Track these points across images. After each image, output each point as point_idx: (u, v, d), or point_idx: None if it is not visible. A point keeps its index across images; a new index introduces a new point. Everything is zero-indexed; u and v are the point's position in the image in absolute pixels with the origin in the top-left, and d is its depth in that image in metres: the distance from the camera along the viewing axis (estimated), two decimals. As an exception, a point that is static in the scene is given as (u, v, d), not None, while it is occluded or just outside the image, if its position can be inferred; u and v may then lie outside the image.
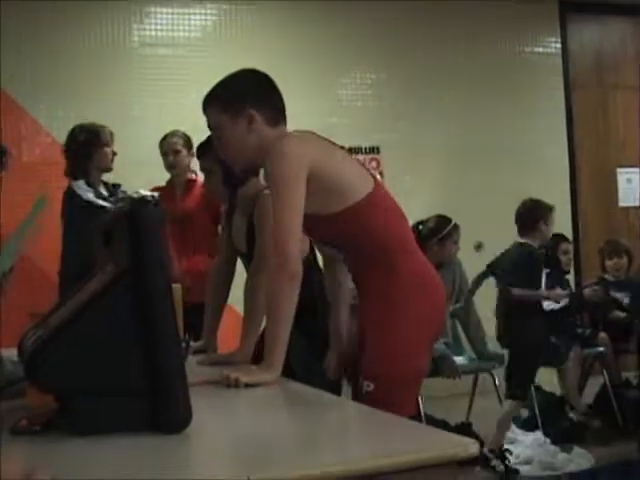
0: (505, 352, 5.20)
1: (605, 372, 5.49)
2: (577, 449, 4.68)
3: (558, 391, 5.48)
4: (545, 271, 5.40)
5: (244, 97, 2.42)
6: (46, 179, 5.45)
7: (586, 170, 7.55)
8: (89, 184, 4.45)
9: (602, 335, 5.54)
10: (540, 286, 5.17)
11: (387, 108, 6.82)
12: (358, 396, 2.46)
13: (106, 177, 4.62)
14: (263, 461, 1.47)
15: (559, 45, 7.45)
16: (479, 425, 4.92)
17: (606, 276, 5.93)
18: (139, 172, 5.12)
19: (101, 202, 4.33)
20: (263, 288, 2.50)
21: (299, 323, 2.40)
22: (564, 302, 5.44)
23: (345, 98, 6.73)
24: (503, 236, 6.64)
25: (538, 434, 4.85)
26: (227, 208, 3.20)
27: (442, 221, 4.90)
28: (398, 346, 2.42)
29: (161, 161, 4.94)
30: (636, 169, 7.59)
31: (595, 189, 7.60)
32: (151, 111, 6.02)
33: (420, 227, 4.81)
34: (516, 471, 4.47)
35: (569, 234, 6.49)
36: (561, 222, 5.88)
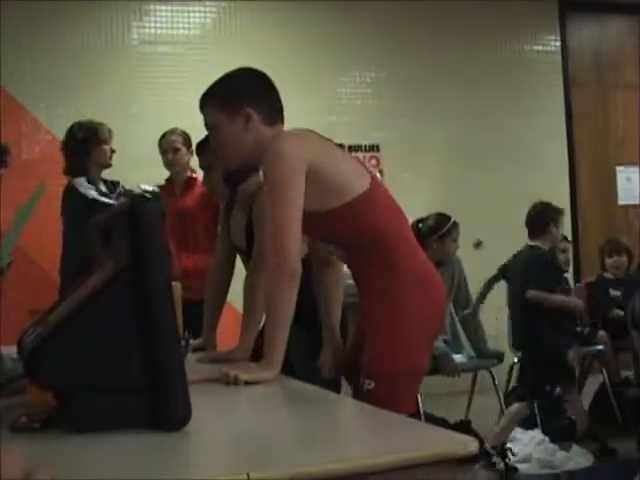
0: (506, 352, 5.22)
1: (604, 370, 5.49)
2: (576, 447, 4.68)
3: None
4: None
5: (241, 96, 2.42)
6: (46, 176, 5.45)
7: (585, 168, 7.55)
8: (89, 181, 4.45)
9: (601, 333, 5.54)
10: (554, 288, 5.17)
11: (387, 106, 6.82)
12: (359, 394, 2.46)
13: (105, 175, 4.62)
14: (263, 458, 1.47)
15: (558, 43, 7.45)
16: (478, 423, 4.92)
17: (605, 274, 5.94)
18: (138, 170, 5.12)
19: (105, 200, 4.33)
20: (262, 286, 2.49)
21: (299, 321, 2.40)
22: None
23: (345, 96, 6.73)
24: (502, 234, 6.68)
25: (537, 432, 4.85)
26: (226, 205, 3.20)
27: (441, 219, 4.90)
28: (398, 344, 2.42)
29: (160, 159, 4.94)
30: (635, 167, 7.59)
31: (594, 187, 7.60)
32: (150, 109, 6.02)
33: (420, 225, 4.81)
34: (515, 469, 4.47)
35: (568, 232, 6.49)
36: (560, 220, 5.89)
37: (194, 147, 3.81)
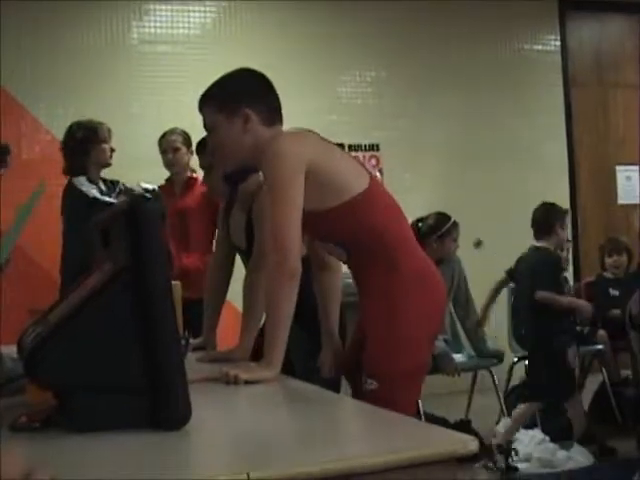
0: (506, 351, 5.23)
1: (604, 370, 5.49)
2: (576, 446, 4.68)
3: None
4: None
5: (240, 97, 2.42)
6: (45, 176, 5.44)
7: (585, 168, 7.55)
8: (89, 180, 4.45)
9: (601, 333, 5.54)
10: (562, 288, 5.17)
11: (387, 106, 6.82)
12: (361, 394, 2.46)
13: (104, 174, 4.62)
14: (263, 458, 1.47)
15: (558, 43, 7.45)
16: (478, 422, 4.93)
17: (605, 274, 5.94)
18: (138, 169, 5.12)
19: (107, 199, 4.33)
20: (262, 285, 2.50)
21: (299, 320, 2.40)
22: None
23: (345, 96, 6.73)
24: (502, 233, 6.68)
25: (537, 432, 4.85)
26: (225, 204, 3.20)
27: (441, 218, 4.90)
28: (399, 343, 2.42)
29: (160, 159, 4.94)
30: (635, 167, 7.58)
31: (594, 187, 7.60)
32: (150, 108, 6.02)
33: (419, 224, 4.81)
34: (515, 469, 4.47)
35: (568, 232, 6.49)
36: (560, 220, 5.89)
37: (194, 147, 3.82)
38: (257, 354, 2.56)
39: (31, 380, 1.72)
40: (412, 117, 6.87)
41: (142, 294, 1.59)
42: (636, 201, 7.58)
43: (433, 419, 4.45)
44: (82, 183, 4.40)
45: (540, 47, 7.41)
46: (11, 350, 1.93)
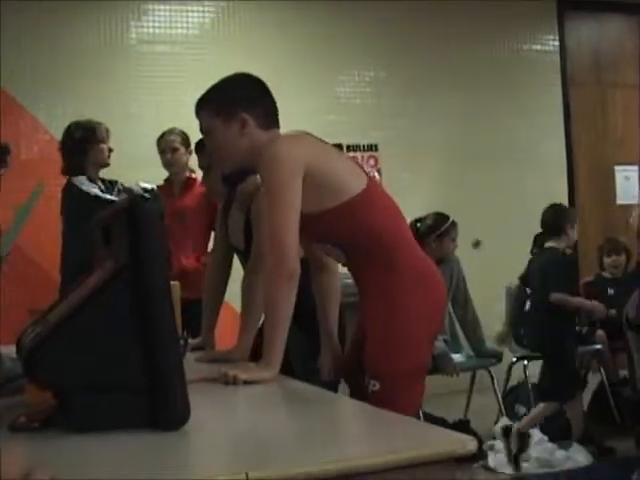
0: (505, 351, 5.22)
1: (602, 370, 5.49)
2: (575, 446, 4.68)
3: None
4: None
5: (237, 101, 2.43)
6: (44, 176, 5.45)
7: (584, 167, 7.55)
8: (89, 180, 4.45)
9: (600, 333, 5.54)
10: (574, 287, 5.18)
11: (385, 106, 6.81)
12: (359, 394, 2.45)
13: (103, 174, 4.62)
14: (262, 458, 1.47)
15: (557, 43, 7.45)
16: (477, 422, 4.93)
17: (604, 274, 5.94)
18: (136, 169, 5.11)
19: (108, 196, 4.32)
20: (261, 286, 2.50)
21: (298, 321, 2.40)
22: None
23: (343, 96, 6.73)
24: (501, 233, 6.69)
25: (536, 431, 4.85)
26: (224, 204, 3.20)
27: (440, 218, 4.91)
28: (400, 343, 2.43)
29: (158, 159, 4.93)
30: (634, 167, 7.59)
31: (593, 187, 7.60)
32: (148, 108, 6.01)
33: (418, 224, 4.82)
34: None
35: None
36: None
37: (193, 147, 3.82)
38: (256, 354, 2.56)
39: (30, 380, 1.72)
40: (411, 117, 6.87)
41: (141, 294, 1.59)
42: (635, 201, 7.57)
43: (432, 419, 4.45)
44: (82, 182, 4.39)
45: (539, 47, 7.41)
46: (10, 350, 1.93)
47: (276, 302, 2.31)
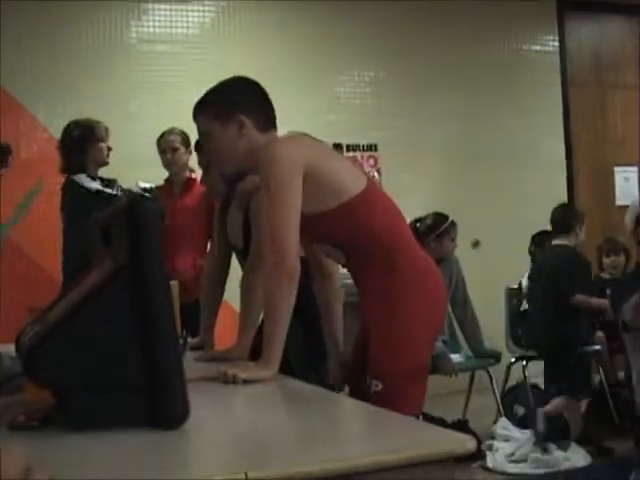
0: (503, 352, 5.22)
1: (601, 370, 5.50)
2: (573, 447, 4.68)
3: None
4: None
5: (234, 104, 2.44)
6: (44, 175, 5.45)
7: (583, 168, 7.55)
8: (89, 177, 4.44)
9: (599, 334, 5.53)
10: (590, 284, 5.20)
11: (385, 106, 6.81)
12: (360, 394, 2.45)
13: (102, 173, 4.61)
14: (261, 457, 1.47)
15: (557, 43, 7.45)
16: (475, 422, 4.94)
17: (603, 274, 5.94)
18: (135, 169, 5.11)
19: (110, 190, 4.32)
20: (260, 285, 2.50)
21: (299, 320, 2.40)
22: None
23: (343, 95, 6.73)
24: (501, 233, 6.69)
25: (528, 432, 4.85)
26: (222, 203, 3.19)
27: (439, 218, 4.91)
28: (402, 343, 2.43)
29: (158, 158, 4.93)
30: (634, 168, 7.59)
31: (592, 187, 7.60)
32: (149, 108, 6.01)
33: (417, 224, 4.83)
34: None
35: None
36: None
37: (193, 146, 3.82)
38: (255, 353, 2.56)
39: (29, 379, 1.72)
40: (410, 117, 6.87)
41: (141, 293, 1.59)
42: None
43: (431, 419, 4.44)
44: (83, 179, 4.39)
45: (539, 47, 7.41)
46: (9, 348, 1.93)
47: (276, 301, 2.31)
